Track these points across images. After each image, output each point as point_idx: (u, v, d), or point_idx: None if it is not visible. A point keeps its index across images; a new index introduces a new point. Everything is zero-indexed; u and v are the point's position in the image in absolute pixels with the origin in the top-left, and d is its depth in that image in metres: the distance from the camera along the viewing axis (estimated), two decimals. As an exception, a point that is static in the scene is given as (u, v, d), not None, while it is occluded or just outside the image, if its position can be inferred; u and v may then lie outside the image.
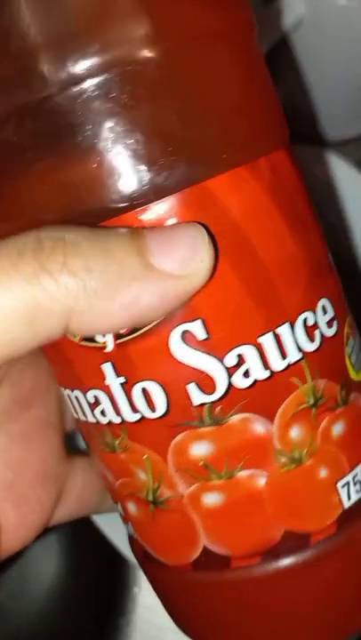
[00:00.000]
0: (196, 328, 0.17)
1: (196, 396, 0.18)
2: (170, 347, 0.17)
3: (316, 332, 0.18)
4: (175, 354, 0.17)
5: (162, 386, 0.18)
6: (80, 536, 0.34)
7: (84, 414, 0.20)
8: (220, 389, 0.18)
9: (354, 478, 0.19)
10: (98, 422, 0.19)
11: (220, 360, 0.17)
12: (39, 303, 0.16)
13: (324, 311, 0.19)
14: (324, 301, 0.19)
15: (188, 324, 0.17)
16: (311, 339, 0.18)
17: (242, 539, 0.19)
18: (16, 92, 0.16)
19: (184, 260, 0.16)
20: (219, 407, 0.18)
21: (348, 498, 0.19)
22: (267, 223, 0.18)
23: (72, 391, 0.20)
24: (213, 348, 0.17)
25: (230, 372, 0.17)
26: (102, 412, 0.19)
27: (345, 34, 0.34)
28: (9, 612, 0.32)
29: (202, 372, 0.17)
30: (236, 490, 0.18)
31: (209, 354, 0.17)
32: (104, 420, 0.19)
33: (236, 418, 0.18)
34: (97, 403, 0.19)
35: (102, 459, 0.20)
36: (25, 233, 0.16)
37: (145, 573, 0.22)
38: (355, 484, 0.19)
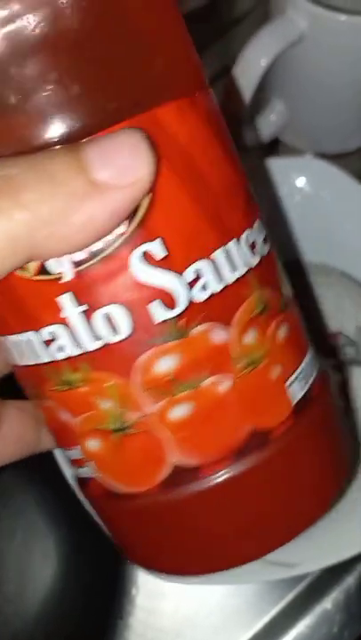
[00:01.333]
0: (156, 247, 0.18)
1: (160, 313, 0.18)
2: (131, 268, 0.18)
3: (257, 248, 0.20)
4: (137, 274, 0.18)
5: (125, 307, 0.18)
6: (78, 538, 0.33)
7: (37, 356, 0.19)
8: (182, 304, 0.18)
9: (299, 375, 0.21)
10: (53, 360, 0.19)
11: (180, 275, 0.18)
12: (5, 239, 0.16)
13: (260, 230, 0.21)
14: (258, 222, 0.21)
15: (148, 244, 0.18)
16: (253, 253, 0.20)
17: (212, 445, 0.20)
18: None
19: (125, 169, 0.17)
20: (181, 321, 0.19)
21: (296, 394, 0.21)
22: (210, 151, 0.19)
23: (21, 334, 0.19)
24: (173, 264, 0.18)
25: (190, 286, 0.18)
26: (60, 348, 0.19)
27: (346, 48, 0.35)
28: (6, 614, 0.30)
29: (163, 289, 0.18)
30: (203, 398, 0.19)
31: (169, 270, 0.18)
32: (61, 356, 0.19)
33: (197, 329, 0.19)
34: (53, 339, 0.19)
35: (58, 400, 0.20)
36: None
37: (101, 514, 0.23)
38: (299, 380, 0.21)
